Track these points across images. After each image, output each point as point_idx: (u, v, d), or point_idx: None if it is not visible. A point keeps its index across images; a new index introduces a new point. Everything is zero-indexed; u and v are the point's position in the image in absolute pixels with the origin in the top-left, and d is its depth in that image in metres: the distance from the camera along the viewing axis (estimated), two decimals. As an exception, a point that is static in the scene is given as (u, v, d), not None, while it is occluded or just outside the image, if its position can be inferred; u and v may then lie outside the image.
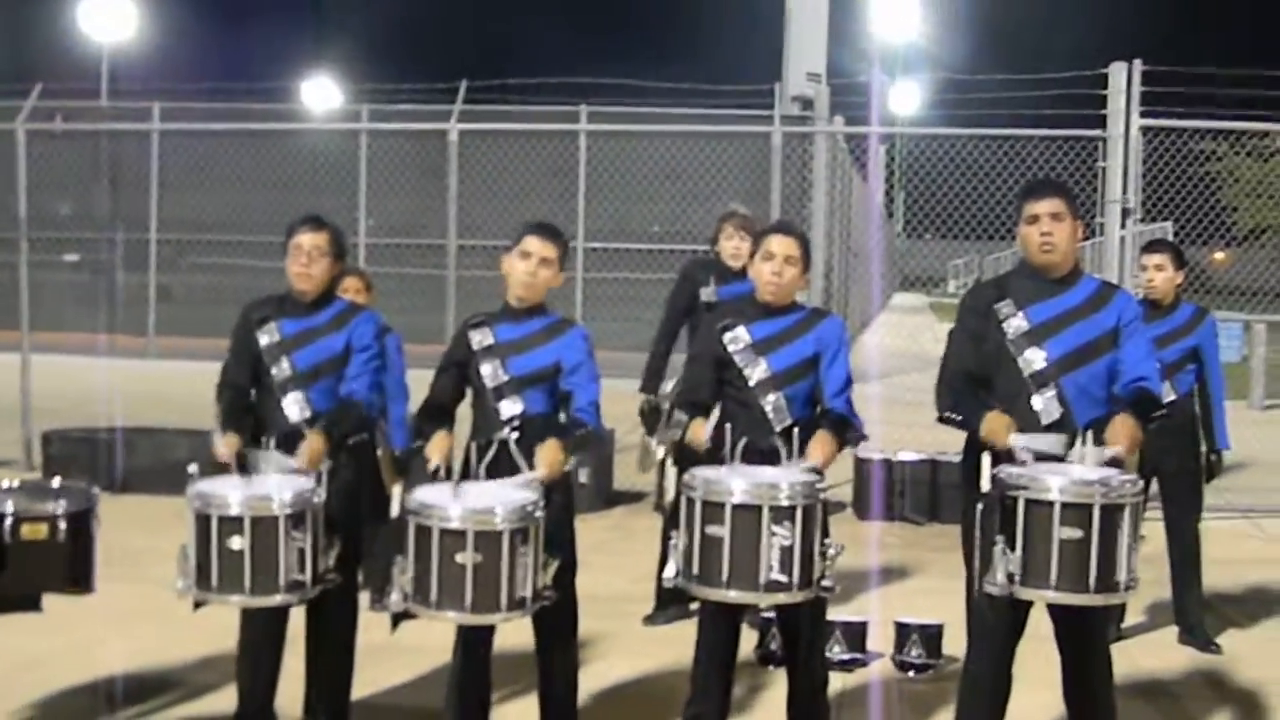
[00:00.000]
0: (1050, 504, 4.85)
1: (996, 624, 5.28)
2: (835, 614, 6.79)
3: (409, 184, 21.69)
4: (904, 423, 12.12)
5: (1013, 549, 4.92)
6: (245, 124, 20.53)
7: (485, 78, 20.46)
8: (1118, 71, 11.40)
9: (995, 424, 5.11)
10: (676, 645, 6.57)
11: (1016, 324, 5.32)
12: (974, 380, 5.35)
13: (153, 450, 11.27)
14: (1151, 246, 7.79)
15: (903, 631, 7.08)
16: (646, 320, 17.18)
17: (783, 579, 4.99)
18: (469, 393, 5.66)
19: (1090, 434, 5.10)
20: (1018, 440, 5.06)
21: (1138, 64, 11.40)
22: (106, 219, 23.70)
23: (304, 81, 39.55)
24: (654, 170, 19.90)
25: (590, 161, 21.02)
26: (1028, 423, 5.17)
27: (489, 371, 5.51)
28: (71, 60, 41.95)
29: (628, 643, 7.41)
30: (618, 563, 9.08)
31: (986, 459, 5.05)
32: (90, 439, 11.47)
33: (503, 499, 5.08)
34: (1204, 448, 7.65)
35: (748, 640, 6.42)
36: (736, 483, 5.01)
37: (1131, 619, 7.80)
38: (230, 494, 5.22)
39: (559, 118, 20.86)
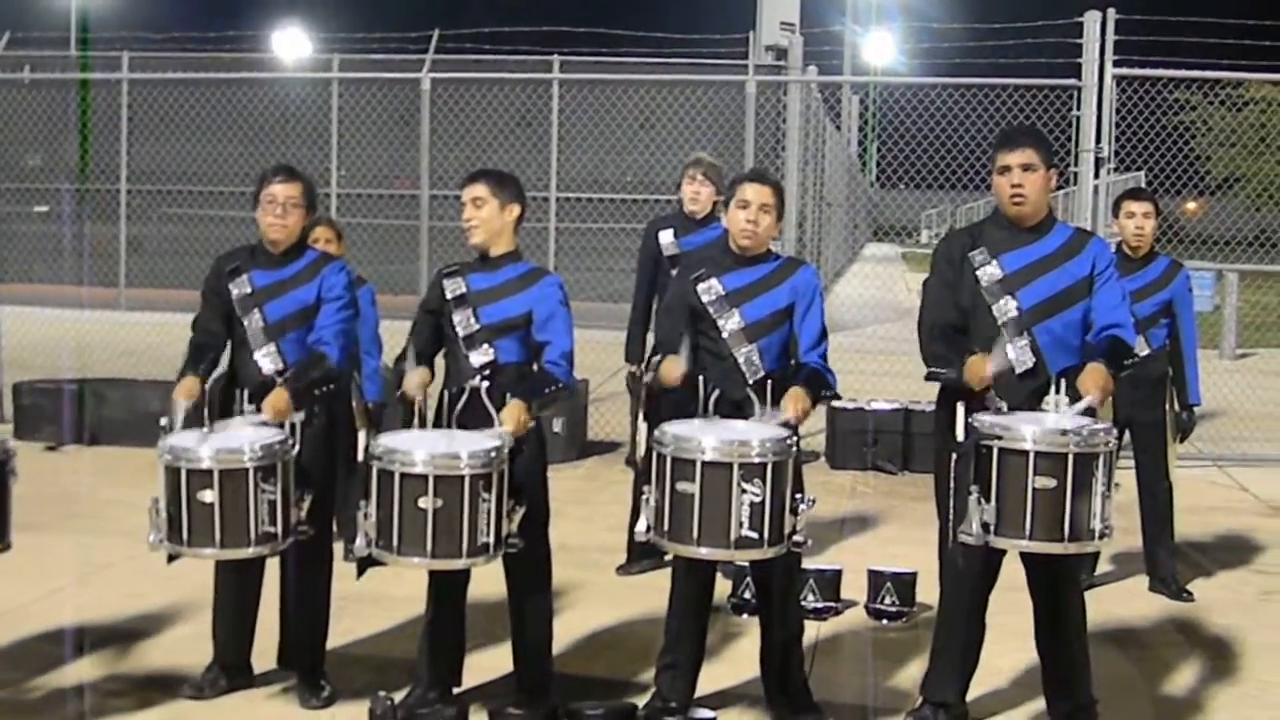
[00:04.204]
0: (1025, 453, 4.87)
1: (970, 572, 5.30)
2: (809, 563, 6.81)
3: (381, 134, 21.56)
4: (877, 372, 12.14)
5: (988, 498, 4.94)
6: (215, 73, 20.33)
7: (457, 26, 20.32)
8: (1091, 20, 11.38)
9: (973, 365, 5.11)
10: (650, 594, 6.58)
11: (990, 272, 5.32)
12: (952, 330, 5.35)
13: (124, 402, 11.21)
14: (1137, 194, 7.74)
15: (876, 580, 7.09)
16: (619, 270, 17.19)
17: (753, 535, 4.99)
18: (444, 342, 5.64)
19: (1064, 382, 5.11)
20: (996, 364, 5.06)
21: (1111, 13, 11.38)
22: (76, 170, 23.52)
23: (274, 30, 39.23)
24: (627, 120, 19.81)
25: (563, 111, 20.91)
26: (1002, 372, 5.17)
27: (461, 320, 5.49)
28: (39, 9, 41.54)
29: (601, 592, 7.42)
30: (591, 512, 9.09)
31: (961, 408, 5.06)
32: (61, 390, 11.40)
33: (466, 444, 5.08)
34: (1174, 403, 7.63)
35: (721, 589, 6.43)
36: (707, 439, 5.00)
37: (1103, 567, 7.84)
38: (200, 447, 5.20)
39: (532, 67, 20.73)
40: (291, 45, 35.53)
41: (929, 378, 5.37)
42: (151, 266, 22.50)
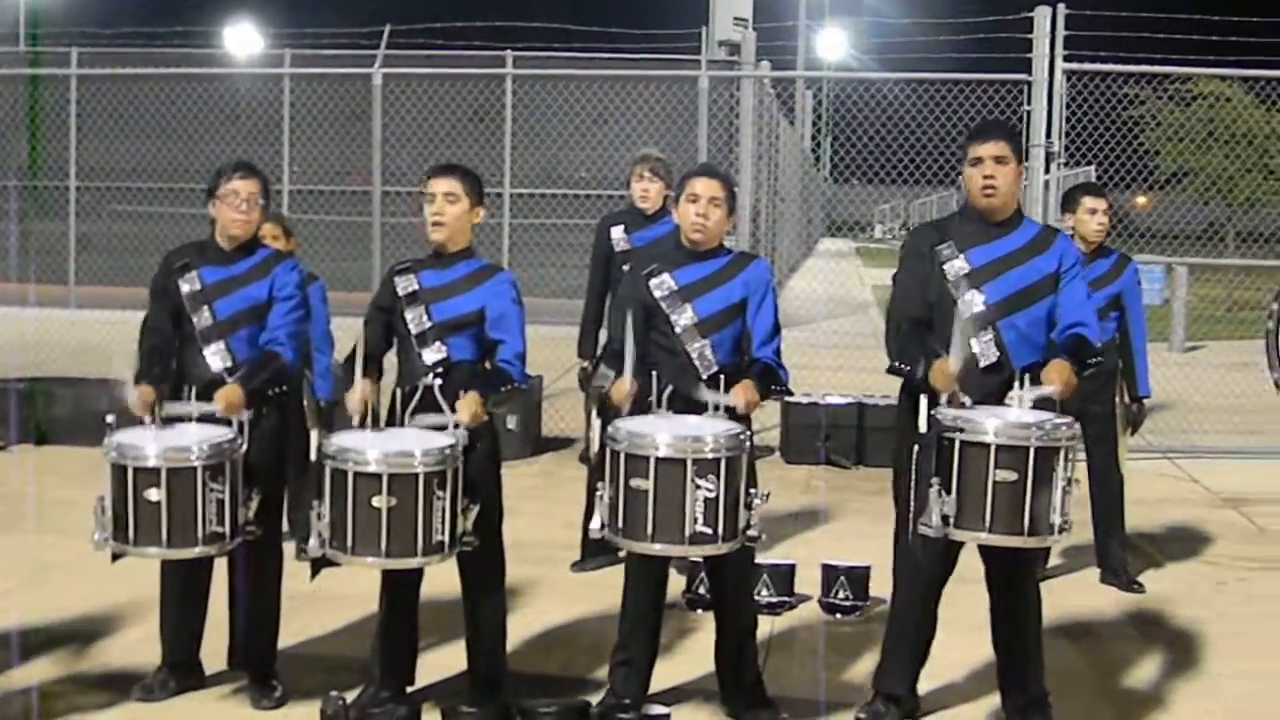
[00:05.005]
0: (986, 446, 4.88)
1: (927, 565, 5.32)
2: (763, 557, 6.81)
3: (333, 130, 21.45)
4: (831, 366, 12.14)
5: (948, 491, 4.94)
6: (166, 69, 20.17)
7: (410, 22, 20.26)
8: (1042, 15, 11.44)
9: (940, 368, 5.10)
10: (604, 591, 6.56)
11: (957, 266, 5.34)
12: (920, 325, 5.35)
13: (73, 401, 11.07)
14: (1092, 190, 7.80)
15: (830, 574, 7.10)
16: (573, 266, 17.16)
17: (708, 531, 4.98)
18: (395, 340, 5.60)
19: (1028, 378, 5.12)
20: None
21: (1062, 8, 11.44)
22: (24, 166, 23.30)
23: (225, 26, 39.03)
24: (581, 115, 19.78)
25: (516, 106, 20.88)
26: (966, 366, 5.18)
27: (413, 317, 5.45)
28: (-14, 5, 41.13)
29: (555, 589, 7.40)
30: (545, 509, 9.06)
31: (924, 400, 5.06)
32: (9, 390, 11.26)
33: (420, 442, 5.04)
34: (1125, 396, 7.69)
35: (675, 584, 6.42)
36: (660, 436, 4.98)
37: (1054, 560, 7.87)
38: (147, 445, 5.15)
39: (485, 62, 20.69)
40: (243, 41, 35.37)
41: (891, 371, 5.38)
42: (102, 264, 22.32)
